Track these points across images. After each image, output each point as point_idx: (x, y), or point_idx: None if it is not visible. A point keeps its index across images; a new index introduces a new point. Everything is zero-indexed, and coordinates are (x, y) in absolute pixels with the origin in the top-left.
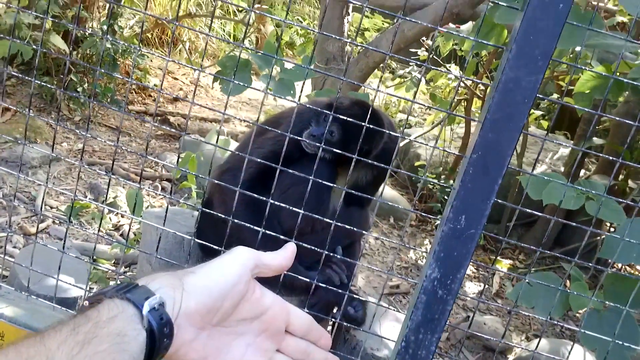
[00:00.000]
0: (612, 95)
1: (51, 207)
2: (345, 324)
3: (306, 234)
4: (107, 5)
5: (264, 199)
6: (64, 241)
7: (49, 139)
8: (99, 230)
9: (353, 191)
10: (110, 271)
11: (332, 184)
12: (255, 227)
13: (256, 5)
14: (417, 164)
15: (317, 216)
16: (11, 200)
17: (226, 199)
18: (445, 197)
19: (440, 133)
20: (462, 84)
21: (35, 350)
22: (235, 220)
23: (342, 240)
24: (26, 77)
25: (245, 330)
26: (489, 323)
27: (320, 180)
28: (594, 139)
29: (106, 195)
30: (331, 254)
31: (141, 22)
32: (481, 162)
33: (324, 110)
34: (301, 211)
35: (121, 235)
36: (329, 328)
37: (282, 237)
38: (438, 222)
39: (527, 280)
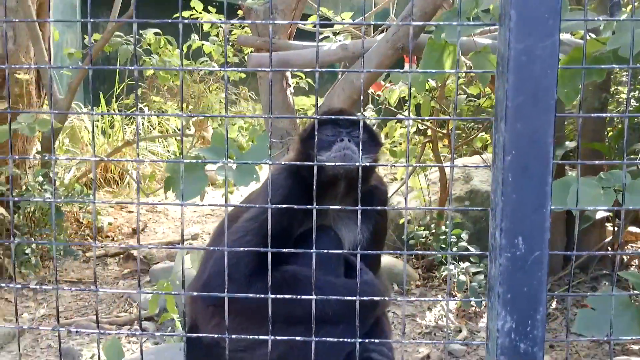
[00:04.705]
0: (597, 75)
1: None
2: None
3: (327, 322)
4: (39, 158)
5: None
6: None
7: (7, 314)
8: None
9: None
10: None
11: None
12: (262, 337)
13: (193, 119)
14: (401, 221)
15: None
16: None
17: (216, 313)
18: (443, 245)
19: (414, 183)
20: (422, 126)
21: None
22: (234, 336)
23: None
24: None
25: None
26: None
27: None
28: (567, 143)
29: None
30: (366, 340)
31: (80, 165)
32: (519, 162)
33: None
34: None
35: None
36: None
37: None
38: (445, 273)
39: (589, 306)
